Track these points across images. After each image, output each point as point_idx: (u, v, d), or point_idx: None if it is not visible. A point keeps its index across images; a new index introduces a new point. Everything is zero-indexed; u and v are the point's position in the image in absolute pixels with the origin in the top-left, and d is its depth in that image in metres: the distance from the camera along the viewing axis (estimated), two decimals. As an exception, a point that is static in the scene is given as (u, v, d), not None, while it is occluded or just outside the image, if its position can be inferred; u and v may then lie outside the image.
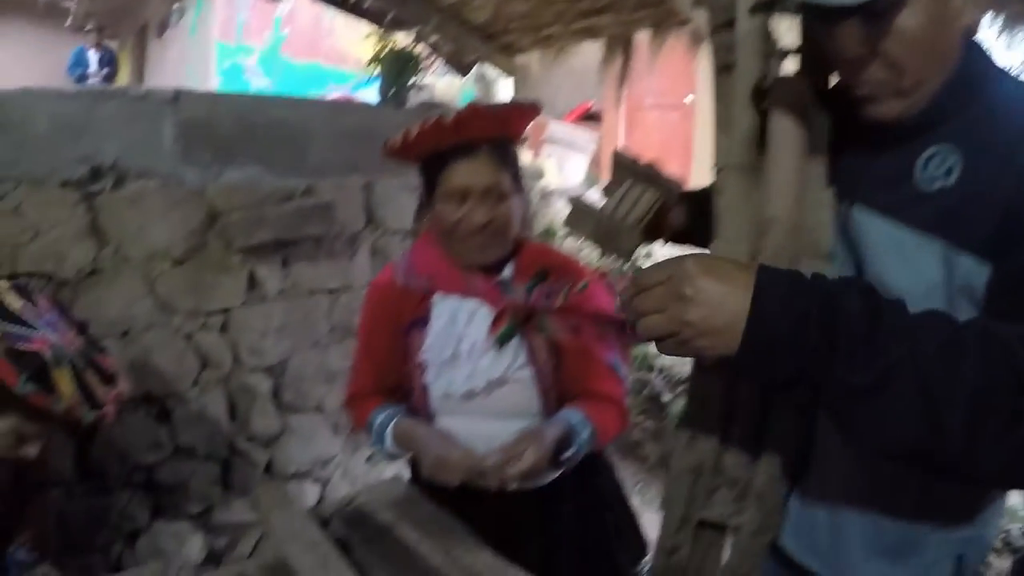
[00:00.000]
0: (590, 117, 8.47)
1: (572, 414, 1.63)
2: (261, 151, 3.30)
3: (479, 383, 1.65)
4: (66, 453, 2.86)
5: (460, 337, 1.66)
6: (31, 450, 1.62)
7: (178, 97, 3.06)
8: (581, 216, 1.52)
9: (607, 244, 1.49)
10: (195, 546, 1.56)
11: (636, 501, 2.04)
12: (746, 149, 1.29)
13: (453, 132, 1.56)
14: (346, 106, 3.91)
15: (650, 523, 2.03)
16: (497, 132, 1.63)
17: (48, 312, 1.65)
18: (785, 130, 1.21)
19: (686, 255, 0.91)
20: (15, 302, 1.60)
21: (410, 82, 4.22)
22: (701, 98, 7.56)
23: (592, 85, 7.96)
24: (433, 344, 1.67)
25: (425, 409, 1.74)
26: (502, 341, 1.63)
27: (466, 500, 1.70)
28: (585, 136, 6.83)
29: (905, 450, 0.88)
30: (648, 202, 1.46)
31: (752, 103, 1.27)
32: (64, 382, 1.55)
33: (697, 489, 1.36)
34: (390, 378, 1.76)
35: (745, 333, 0.86)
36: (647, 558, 1.91)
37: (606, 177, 1.70)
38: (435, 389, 1.70)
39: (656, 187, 1.47)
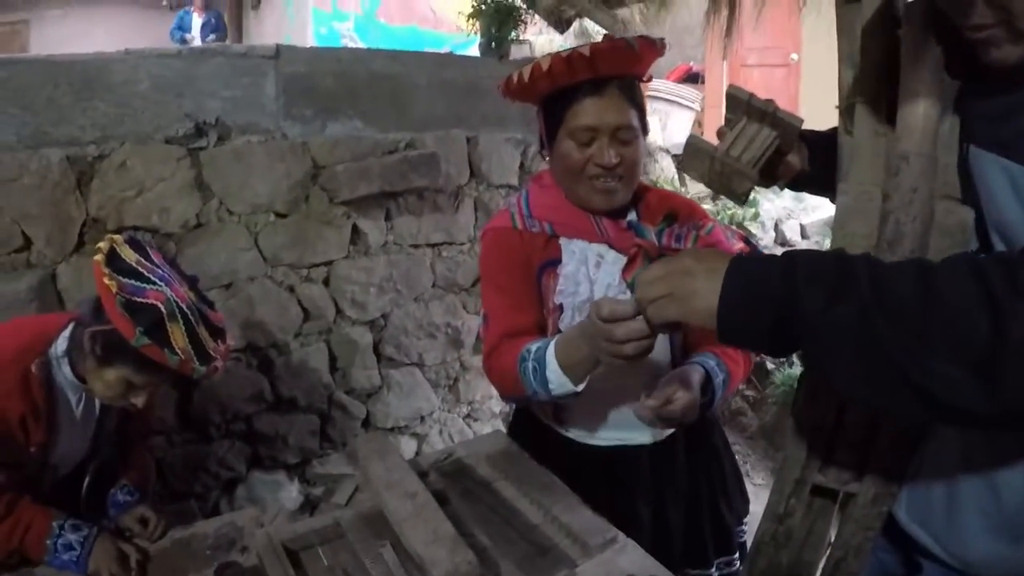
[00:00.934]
0: (690, 79, 8.24)
1: (706, 359, 1.59)
2: (363, 105, 3.32)
3: None
4: (168, 402, 2.96)
5: (592, 280, 1.61)
6: (139, 399, 1.66)
7: (279, 53, 3.10)
8: (695, 156, 1.43)
9: (721, 186, 1.42)
10: (291, 494, 1.56)
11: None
12: (875, 82, 1.22)
13: (587, 66, 1.48)
14: (448, 59, 3.86)
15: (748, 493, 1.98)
16: (629, 68, 1.56)
17: (162, 266, 1.69)
18: (920, 57, 1.13)
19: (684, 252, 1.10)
20: (130, 255, 1.64)
21: (510, 36, 4.15)
22: (806, 56, 7.35)
23: (693, 45, 7.74)
24: (566, 287, 1.61)
25: None
26: (635, 284, 1.53)
27: (572, 456, 1.67)
28: (689, 94, 6.63)
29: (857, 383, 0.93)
30: (764, 142, 1.38)
31: (881, 32, 1.19)
32: (178, 336, 1.58)
33: (815, 450, 1.30)
34: (530, 318, 1.63)
35: (720, 301, 0.97)
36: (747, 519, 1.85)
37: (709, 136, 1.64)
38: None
39: (773, 125, 1.38)
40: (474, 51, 4.55)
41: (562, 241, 1.62)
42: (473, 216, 3.71)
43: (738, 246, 1.85)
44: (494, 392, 1.63)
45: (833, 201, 1.36)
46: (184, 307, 1.62)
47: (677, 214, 1.65)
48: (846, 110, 1.27)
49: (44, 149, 2.57)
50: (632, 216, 1.66)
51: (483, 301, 1.71)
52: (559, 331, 1.59)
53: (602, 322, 1.16)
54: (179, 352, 1.57)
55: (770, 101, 1.39)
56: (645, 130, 1.60)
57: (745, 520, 1.87)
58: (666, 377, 1.49)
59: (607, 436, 1.69)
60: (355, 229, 3.28)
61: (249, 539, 1.54)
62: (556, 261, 1.62)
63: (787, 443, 1.35)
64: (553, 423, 1.73)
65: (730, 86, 1.49)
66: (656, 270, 1.06)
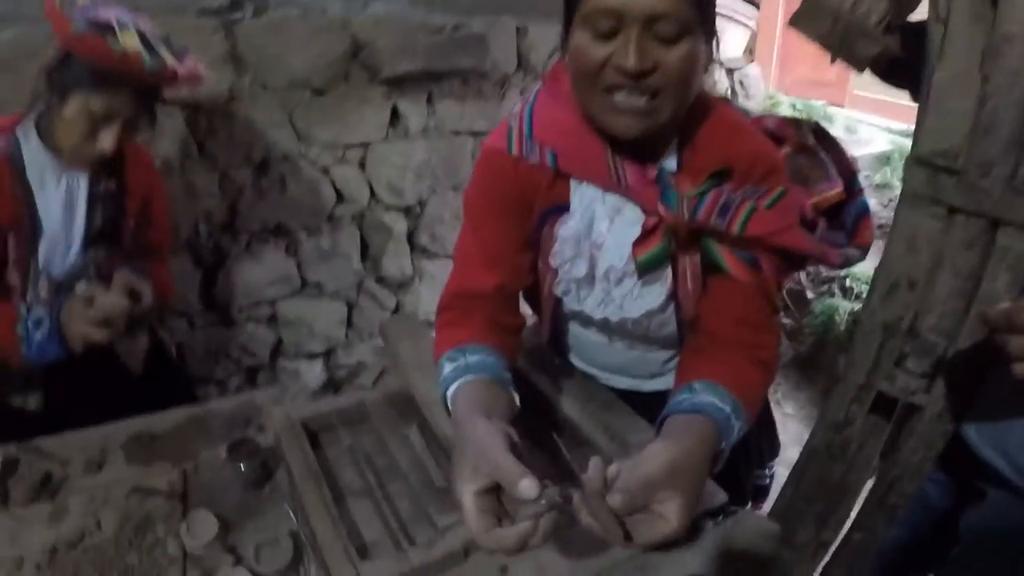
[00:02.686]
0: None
1: (720, 401, 1.11)
2: (409, -16, 3.17)
3: (613, 315, 1.31)
4: (191, 283, 2.93)
5: (596, 246, 1.26)
6: (107, 138, 1.58)
7: (321, -76, 2.94)
8: (815, 14, 1.28)
9: (842, 49, 1.29)
10: (314, 372, 1.51)
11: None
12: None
13: None
14: (502, -61, 3.66)
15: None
16: None
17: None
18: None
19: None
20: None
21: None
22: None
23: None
24: (563, 251, 1.27)
25: (553, 319, 1.43)
26: (645, 267, 1.22)
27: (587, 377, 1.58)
28: (745, 8, 6.36)
29: None
30: (891, 2, 1.25)
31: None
32: (128, 36, 1.49)
33: (885, 353, 1.21)
34: (498, 277, 1.30)
35: None
36: (777, 459, 1.76)
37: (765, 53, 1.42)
38: (566, 302, 1.38)
39: None
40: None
41: (572, 182, 1.25)
42: (519, 107, 3.55)
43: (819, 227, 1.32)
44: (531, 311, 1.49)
45: (913, 97, 1.26)
46: (140, 26, 1.54)
47: (732, 169, 1.18)
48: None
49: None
50: (669, 162, 1.22)
51: (460, 235, 1.38)
52: (555, 301, 1.36)
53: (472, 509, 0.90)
54: (122, 41, 1.48)
55: None
56: (709, 32, 1.10)
57: (770, 464, 1.77)
58: (647, 464, 0.92)
59: (616, 380, 1.58)
60: (395, 111, 3.16)
61: (267, 418, 1.51)
62: (563, 208, 1.27)
63: (854, 344, 1.26)
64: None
65: None
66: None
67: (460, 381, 1.15)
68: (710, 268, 1.22)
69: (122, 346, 1.86)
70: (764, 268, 1.20)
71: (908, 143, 1.28)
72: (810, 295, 4.02)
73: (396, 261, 3.36)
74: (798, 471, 1.42)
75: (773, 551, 1.22)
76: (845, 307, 3.53)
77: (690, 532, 1.25)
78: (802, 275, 4.02)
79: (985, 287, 1.12)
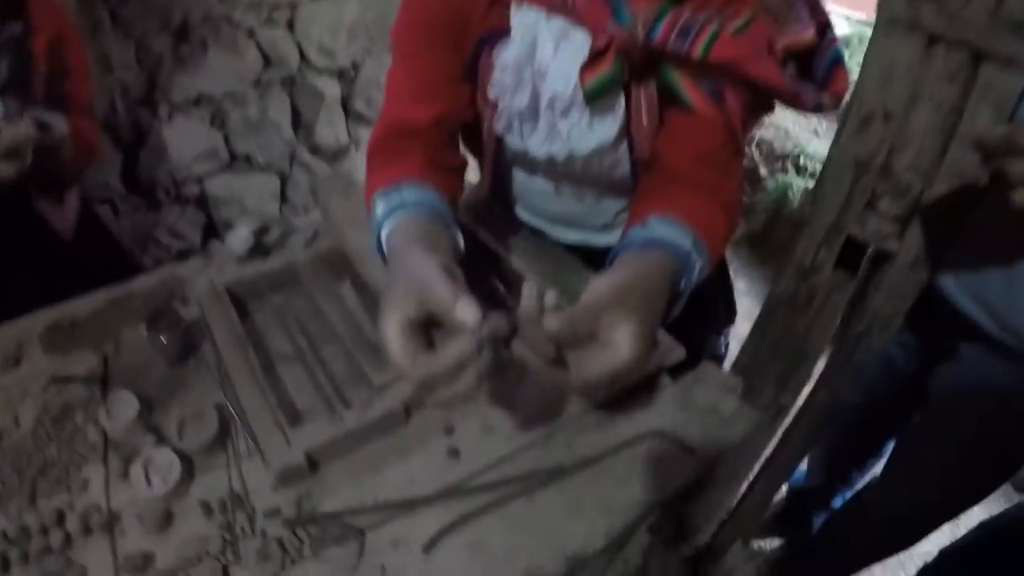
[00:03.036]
0: None
1: (677, 234, 1.02)
2: None
3: (559, 150, 1.17)
4: (112, 166, 2.78)
5: (540, 74, 1.12)
6: None
7: None
8: None
9: None
10: (240, 235, 1.39)
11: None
12: None
13: None
14: None
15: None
16: None
17: None
18: None
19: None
20: None
21: None
22: None
23: None
24: (502, 81, 1.14)
25: (495, 165, 1.32)
26: (595, 94, 1.07)
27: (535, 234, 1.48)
28: None
29: None
30: None
31: None
32: None
33: (856, 192, 1.12)
34: (433, 109, 1.18)
35: None
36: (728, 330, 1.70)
37: None
38: (508, 142, 1.24)
39: None
40: None
41: (513, 4, 1.11)
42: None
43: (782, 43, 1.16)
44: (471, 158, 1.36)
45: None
46: None
47: None
48: None
49: None
50: None
51: (388, 70, 1.26)
52: (496, 139, 1.23)
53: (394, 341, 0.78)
54: None
55: None
56: None
57: (726, 331, 1.68)
58: (592, 290, 0.83)
59: (564, 234, 1.48)
60: (325, -36, 2.97)
61: (191, 290, 1.39)
62: (502, 33, 1.13)
63: (823, 182, 1.17)
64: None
65: None
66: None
67: (395, 218, 1.04)
68: (669, 101, 1.09)
69: (50, 209, 1.75)
70: (729, 102, 1.07)
71: (868, 31, 1.15)
72: (763, 172, 3.96)
73: (330, 129, 3.23)
74: (761, 324, 1.35)
75: (736, 406, 1.16)
76: (799, 184, 3.49)
77: (647, 388, 1.19)
78: (755, 152, 3.94)
79: (965, 124, 1.02)
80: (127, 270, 1.52)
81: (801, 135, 3.72)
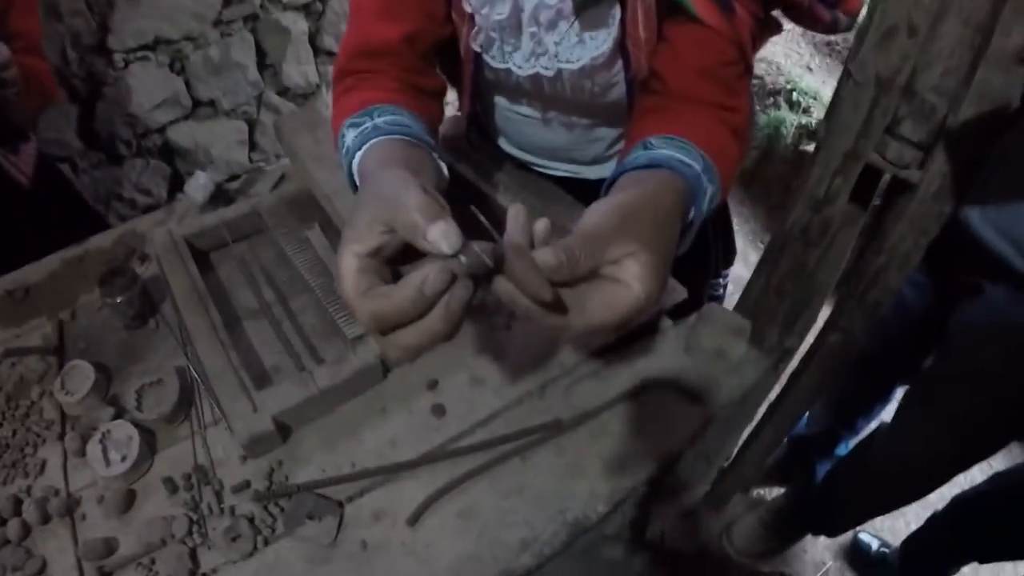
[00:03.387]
0: None
1: (686, 156, 0.84)
2: None
3: (546, 68, 1.06)
4: (67, 121, 2.64)
5: None
6: None
7: None
8: None
9: None
10: (199, 182, 1.29)
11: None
12: None
13: None
14: None
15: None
16: None
17: None
18: None
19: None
20: None
21: None
22: None
23: None
24: None
25: (474, 92, 1.20)
26: (586, 2, 0.96)
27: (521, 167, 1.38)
28: None
29: None
30: None
31: None
32: None
33: (876, 114, 1.03)
34: (400, 27, 1.05)
35: None
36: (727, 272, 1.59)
37: None
38: (488, 61, 1.11)
39: None
40: None
41: None
42: None
43: None
44: (451, 91, 1.22)
45: None
46: None
47: None
48: None
49: None
50: None
51: None
52: (474, 58, 1.10)
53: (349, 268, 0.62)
54: None
55: None
56: None
57: (725, 272, 1.57)
58: (592, 216, 0.67)
59: (552, 167, 1.38)
60: None
61: (151, 245, 1.29)
62: None
63: (839, 103, 1.07)
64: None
65: None
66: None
67: (367, 145, 0.90)
68: (669, 11, 0.97)
69: (5, 158, 1.65)
70: (738, 12, 0.96)
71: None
72: (755, 107, 3.87)
73: (298, 68, 3.11)
74: (770, 259, 1.26)
75: (745, 350, 1.07)
76: (792, 120, 3.40)
77: (647, 332, 1.10)
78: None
79: (996, 42, 0.92)
80: (94, 230, 1.43)
81: (793, 70, 3.62)
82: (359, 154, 0.88)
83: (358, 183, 0.89)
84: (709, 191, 0.84)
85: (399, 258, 0.65)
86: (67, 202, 1.86)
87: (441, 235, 0.57)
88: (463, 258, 0.57)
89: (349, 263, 0.61)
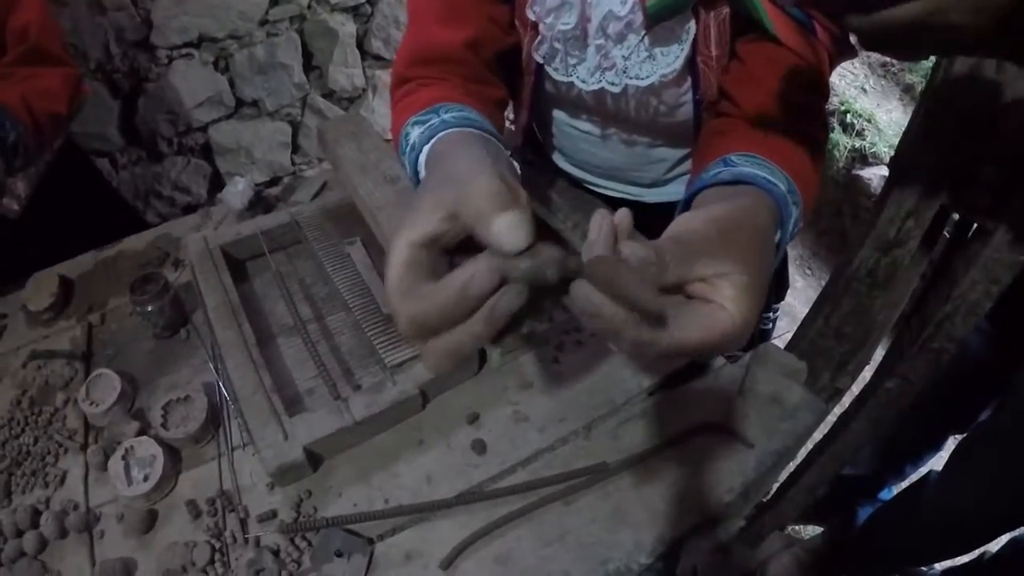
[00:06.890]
0: None
1: (770, 175, 0.76)
2: None
3: (612, 83, 1.01)
4: (109, 116, 2.65)
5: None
6: None
7: None
8: None
9: None
10: (237, 188, 1.27)
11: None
12: None
13: None
14: None
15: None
16: None
17: None
18: None
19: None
20: None
21: None
22: None
23: None
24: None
25: (533, 103, 1.16)
26: (658, 14, 0.91)
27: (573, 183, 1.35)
28: None
29: None
30: None
31: None
32: None
33: (954, 155, 0.97)
34: (461, 32, 1.01)
35: None
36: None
37: None
38: (550, 73, 1.07)
39: None
40: None
41: None
42: None
43: None
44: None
45: None
46: None
47: None
48: None
49: None
50: None
51: None
52: (535, 65, 1.07)
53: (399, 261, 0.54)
54: None
55: None
56: None
57: (775, 306, 1.49)
58: (682, 224, 0.60)
59: (608, 188, 1.34)
60: None
61: (185, 251, 1.28)
62: None
63: (912, 139, 1.02)
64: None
65: None
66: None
67: (436, 139, 0.84)
68: (745, 27, 0.92)
69: None
70: (819, 35, 0.90)
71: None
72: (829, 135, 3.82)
73: (345, 71, 3.10)
74: (830, 299, 1.21)
75: (801, 395, 1.02)
76: (845, 142, 3.34)
77: (698, 370, 1.05)
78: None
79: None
80: (130, 229, 1.40)
81: (847, 91, 3.56)
82: (426, 148, 0.83)
83: (423, 174, 0.83)
84: (794, 214, 0.76)
85: (461, 250, 0.57)
86: (107, 209, 1.82)
87: (508, 227, 0.49)
88: (524, 262, 0.48)
89: (400, 253, 0.54)
